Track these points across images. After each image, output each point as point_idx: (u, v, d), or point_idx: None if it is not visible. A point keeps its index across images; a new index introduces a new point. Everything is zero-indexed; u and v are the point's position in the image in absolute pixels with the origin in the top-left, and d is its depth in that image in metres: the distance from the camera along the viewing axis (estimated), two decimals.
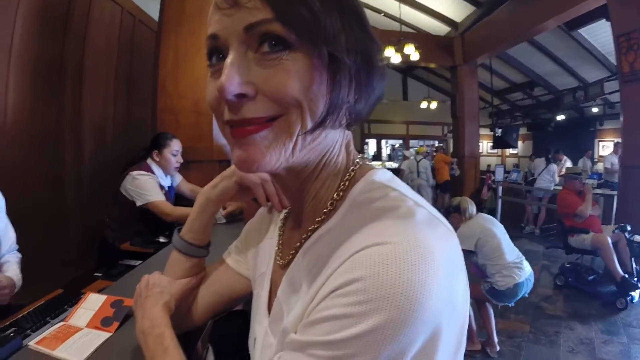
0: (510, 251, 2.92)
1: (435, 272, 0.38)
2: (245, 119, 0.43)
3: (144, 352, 0.64)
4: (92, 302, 0.98)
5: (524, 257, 2.95)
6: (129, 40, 4.32)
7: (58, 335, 0.86)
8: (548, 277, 4.54)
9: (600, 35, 6.91)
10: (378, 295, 0.37)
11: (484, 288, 2.93)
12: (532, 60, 8.98)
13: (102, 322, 0.91)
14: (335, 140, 0.52)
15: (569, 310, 3.69)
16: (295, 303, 0.50)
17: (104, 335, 0.86)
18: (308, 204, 0.55)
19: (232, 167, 0.72)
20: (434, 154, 9.35)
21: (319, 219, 0.53)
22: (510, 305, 2.94)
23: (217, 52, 0.46)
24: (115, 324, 0.90)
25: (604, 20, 5.52)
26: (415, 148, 10.82)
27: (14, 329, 1.25)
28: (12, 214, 1.80)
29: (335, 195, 0.52)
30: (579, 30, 6.90)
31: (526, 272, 2.87)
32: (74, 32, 3.45)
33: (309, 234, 0.54)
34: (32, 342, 0.84)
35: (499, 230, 3.01)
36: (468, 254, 3.00)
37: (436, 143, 18.04)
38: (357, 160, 0.55)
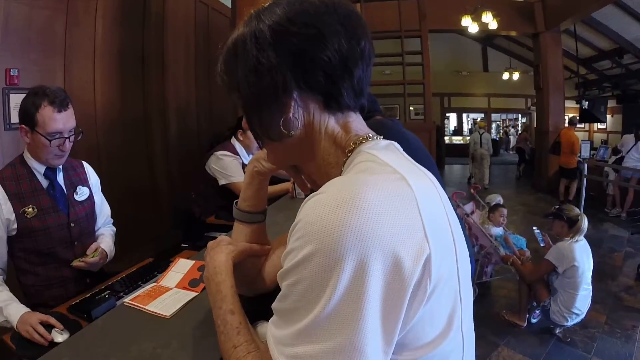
0: (583, 297, 2.79)
1: (358, 213, 0.45)
2: None
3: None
4: (182, 266, 1.12)
5: (589, 304, 2.84)
6: (205, 27, 4.55)
7: (150, 294, 1.00)
8: (631, 265, 4.22)
9: None
10: (307, 232, 0.47)
11: (544, 302, 2.92)
12: (620, 25, 8.04)
13: (189, 283, 1.05)
14: (307, 142, 0.63)
15: None
16: None
17: (191, 295, 1.00)
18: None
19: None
20: (518, 129, 9.03)
21: None
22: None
23: None
24: (202, 285, 1.03)
25: None
26: (478, 121, 11.07)
27: (108, 292, 1.47)
28: (111, 191, 2.04)
29: (340, 173, 0.61)
30: None
31: (579, 318, 2.82)
32: (152, 23, 3.72)
33: None
34: (127, 299, 0.98)
35: (589, 266, 2.83)
36: (551, 272, 2.91)
37: (520, 117, 17.07)
38: (358, 139, 0.62)
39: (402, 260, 0.45)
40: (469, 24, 7.00)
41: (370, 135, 0.63)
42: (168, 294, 1.00)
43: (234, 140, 2.74)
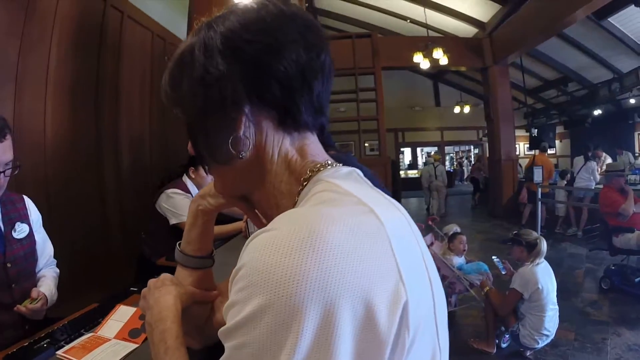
0: (551, 317, 2.80)
1: (320, 254, 0.37)
2: None
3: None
4: (122, 314, 1.01)
5: (557, 324, 2.87)
6: (161, 61, 4.49)
7: (86, 345, 0.89)
8: (593, 280, 4.34)
9: (631, 22, 6.71)
10: (254, 281, 0.38)
11: (512, 327, 2.92)
12: (563, 55, 8.74)
13: (130, 333, 0.94)
14: (258, 165, 0.56)
15: (616, 315, 3.51)
16: None
17: (130, 347, 0.89)
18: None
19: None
20: (471, 159, 9.46)
21: None
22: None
23: None
24: (143, 336, 0.92)
25: (632, 6, 5.32)
26: (432, 154, 11.63)
27: (48, 340, 1.31)
28: (61, 229, 1.87)
29: (293, 204, 0.54)
30: (609, 19, 6.69)
31: (549, 339, 2.83)
32: (108, 54, 3.63)
33: None
34: (60, 352, 0.87)
35: (552, 286, 2.86)
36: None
37: (472, 148, 17.81)
38: (315, 166, 0.55)
39: (377, 311, 0.38)
40: (421, 60, 7.30)
41: (330, 162, 0.56)
42: (106, 345, 0.89)
43: (185, 178, 2.64)
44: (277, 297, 0.36)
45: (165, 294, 0.67)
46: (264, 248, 0.39)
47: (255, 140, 0.54)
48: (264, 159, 0.55)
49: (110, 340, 0.92)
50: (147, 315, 0.66)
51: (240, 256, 0.42)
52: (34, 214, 1.75)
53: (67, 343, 1.32)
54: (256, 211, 0.64)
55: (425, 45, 7.24)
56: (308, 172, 0.54)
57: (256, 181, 0.57)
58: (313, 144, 0.58)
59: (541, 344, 2.80)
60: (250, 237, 0.42)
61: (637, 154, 9.85)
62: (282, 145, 0.55)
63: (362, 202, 0.45)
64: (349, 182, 0.51)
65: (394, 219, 0.46)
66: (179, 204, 2.48)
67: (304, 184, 0.53)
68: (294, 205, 0.53)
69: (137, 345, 0.89)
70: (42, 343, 1.31)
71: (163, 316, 0.63)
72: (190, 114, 0.56)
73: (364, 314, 0.37)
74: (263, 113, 0.53)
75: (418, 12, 7.96)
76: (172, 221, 2.47)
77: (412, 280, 0.42)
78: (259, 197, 0.60)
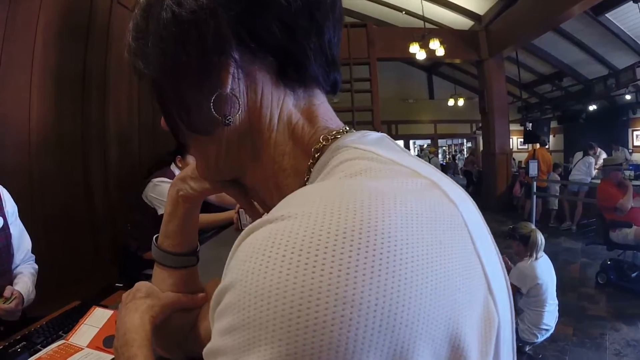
0: (550, 312, 2.74)
1: (377, 267, 0.22)
2: None
3: None
4: (97, 318, 0.91)
5: (557, 318, 2.81)
6: None
7: (55, 356, 0.79)
8: (589, 275, 4.30)
9: (628, 18, 6.62)
10: (254, 318, 0.22)
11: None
12: (559, 50, 8.67)
13: (104, 341, 0.83)
14: (251, 134, 0.41)
15: (613, 310, 3.48)
16: None
17: (105, 358, 0.78)
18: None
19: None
20: (463, 152, 9.60)
21: None
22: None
23: None
24: None
25: (630, 3, 5.25)
26: (425, 147, 11.88)
27: (23, 343, 1.20)
28: (44, 221, 1.77)
29: (300, 185, 0.40)
30: (606, 15, 6.62)
31: (549, 333, 2.77)
32: (95, 42, 3.51)
33: None
34: None
35: (552, 281, 2.80)
36: (515, 293, 2.84)
37: (465, 141, 17.79)
38: (330, 133, 0.41)
39: (466, 348, 0.25)
40: (417, 51, 7.20)
41: (347, 128, 0.43)
42: (77, 356, 0.79)
43: (173, 167, 2.52)
44: (301, 349, 0.21)
45: (132, 311, 0.55)
46: (268, 254, 0.23)
47: (247, 99, 0.39)
48: (260, 124, 0.40)
49: (82, 349, 0.82)
50: (115, 338, 0.55)
51: (227, 266, 0.27)
52: (9, 205, 1.63)
53: (44, 347, 1.22)
54: (249, 196, 0.50)
55: (422, 35, 7.15)
56: (321, 141, 0.40)
57: (249, 156, 0.43)
58: (324, 105, 0.44)
59: (540, 339, 2.75)
60: (242, 234, 0.28)
61: (630, 150, 9.90)
62: (283, 105, 0.40)
63: (417, 173, 0.31)
64: (385, 149, 0.36)
65: (460, 195, 0.33)
66: (165, 192, 2.36)
67: (316, 155, 0.39)
68: (303, 184, 0.39)
69: (112, 357, 0.78)
70: (17, 347, 1.21)
71: (128, 340, 0.52)
72: (156, 65, 0.39)
73: (449, 356, 0.25)
74: (258, 61, 0.38)
75: (414, 3, 7.84)
76: (160, 211, 2.35)
77: (498, 287, 0.29)
78: (253, 179, 0.45)
